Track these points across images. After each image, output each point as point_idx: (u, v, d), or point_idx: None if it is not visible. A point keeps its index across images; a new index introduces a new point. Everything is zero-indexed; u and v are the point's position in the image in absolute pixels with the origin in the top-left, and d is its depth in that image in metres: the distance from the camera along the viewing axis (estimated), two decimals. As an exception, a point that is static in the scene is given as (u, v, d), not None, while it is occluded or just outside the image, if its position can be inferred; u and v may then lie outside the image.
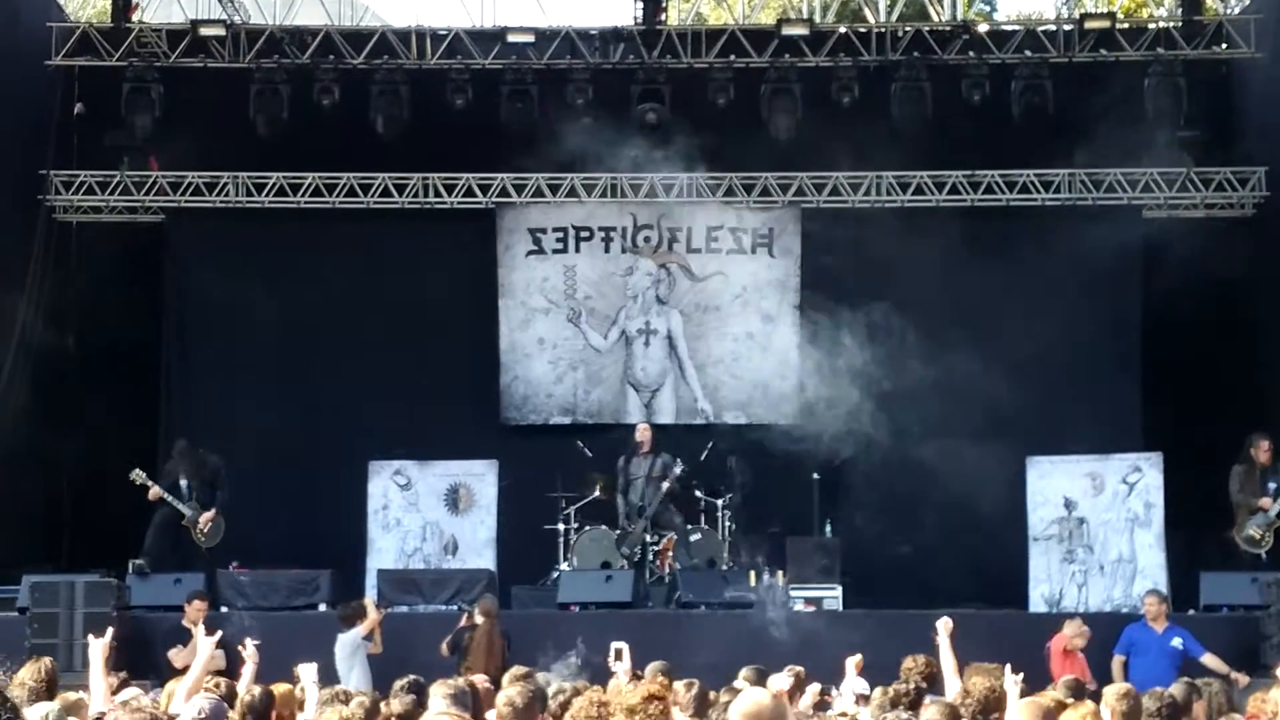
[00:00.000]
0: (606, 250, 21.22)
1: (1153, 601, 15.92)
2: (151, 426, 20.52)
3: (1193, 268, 20.56)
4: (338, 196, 20.97)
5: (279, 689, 9.22)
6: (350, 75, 20.45)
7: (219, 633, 10.19)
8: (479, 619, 15.65)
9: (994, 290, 20.67)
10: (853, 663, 11.61)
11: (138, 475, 17.96)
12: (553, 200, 21.11)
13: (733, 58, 20.52)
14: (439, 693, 8.22)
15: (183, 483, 18.21)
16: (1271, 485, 17.34)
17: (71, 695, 8.88)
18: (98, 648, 9.74)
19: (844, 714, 10.02)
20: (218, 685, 9.58)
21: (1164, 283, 20.40)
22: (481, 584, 17.30)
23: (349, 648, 15.50)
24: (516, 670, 9.93)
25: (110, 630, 10.54)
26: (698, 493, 18.94)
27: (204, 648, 9.83)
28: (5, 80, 19.66)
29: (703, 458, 18.88)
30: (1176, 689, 9.36)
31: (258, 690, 8.86)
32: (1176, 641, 15.48)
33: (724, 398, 21.04)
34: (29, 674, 9.02)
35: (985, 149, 20.76)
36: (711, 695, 10.08)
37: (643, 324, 21.09)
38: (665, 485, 18.41)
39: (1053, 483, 18.67)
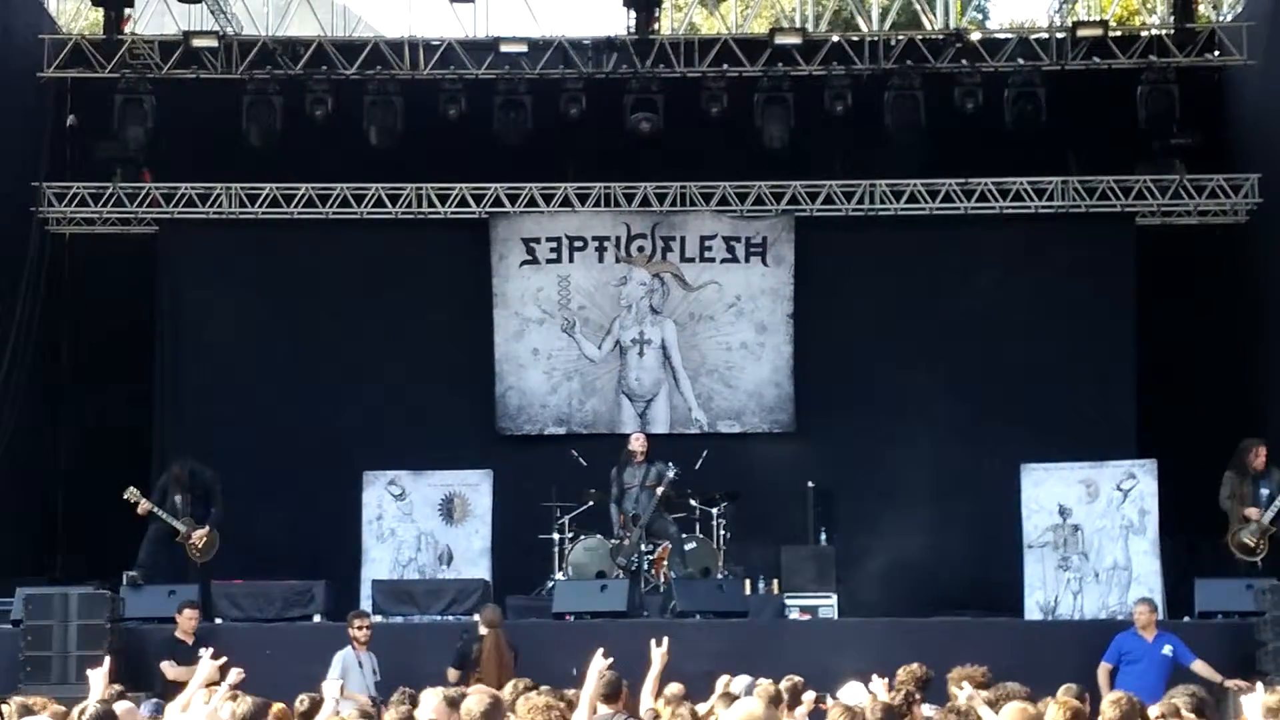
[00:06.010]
0: (600, 260, 21.22)
1: (1143, 610, 15.84)
2: (145, 439, 20.48)
3: (1186, 275, 20.66)
4: (331, 207, 20.95)
5: (276, 708, 9.08)
6: (343, 86, 20.45)
7: (214, 656, 9.92)
8: (483, 630, 15.39)
9: (988, 298, 20.73)
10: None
11: (131, 494, 17.76)
12: (546, 210, 21.11)
13: (725, 67, 20.52)
14: (432, 697, 8.20)
15: (177, 499, 18.00)
16: (1264, 492, 17.29)
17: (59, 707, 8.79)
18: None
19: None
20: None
21: (1157, 290, 20.46)
22: (476, 594, 17.18)
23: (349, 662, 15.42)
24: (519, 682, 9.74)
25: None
26: (692, 501, 18.89)
27: (204, 668, 9.70)
28: (-3, 92, 19.67)
29: (697, 467, 18.84)
30: (1181, 699, 9.20)
31: (250, 704, 8.78)
32: (1167, 649, 15.40)
33: (718, 407, 21.04)
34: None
35: (979, 157, 20.76)
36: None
37: (637, 334, 21.08)
38: (660, 490, 18.23)
39: (1047, 490, 18.62)
